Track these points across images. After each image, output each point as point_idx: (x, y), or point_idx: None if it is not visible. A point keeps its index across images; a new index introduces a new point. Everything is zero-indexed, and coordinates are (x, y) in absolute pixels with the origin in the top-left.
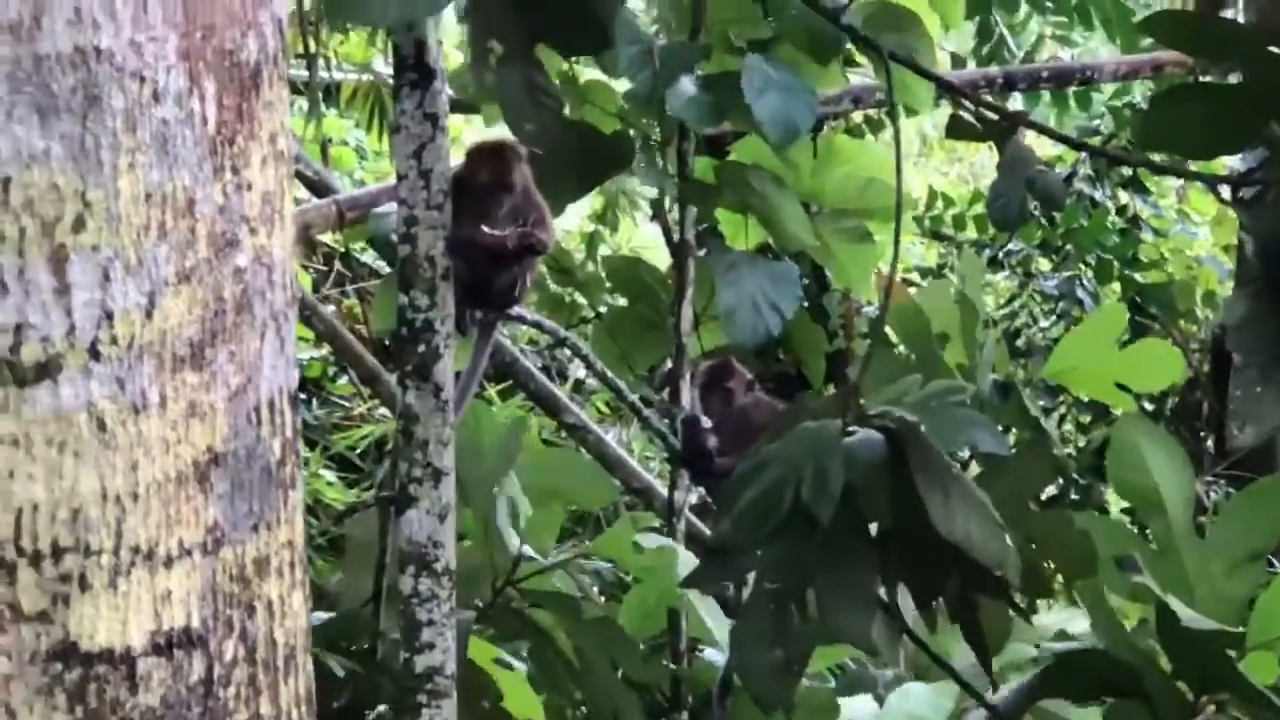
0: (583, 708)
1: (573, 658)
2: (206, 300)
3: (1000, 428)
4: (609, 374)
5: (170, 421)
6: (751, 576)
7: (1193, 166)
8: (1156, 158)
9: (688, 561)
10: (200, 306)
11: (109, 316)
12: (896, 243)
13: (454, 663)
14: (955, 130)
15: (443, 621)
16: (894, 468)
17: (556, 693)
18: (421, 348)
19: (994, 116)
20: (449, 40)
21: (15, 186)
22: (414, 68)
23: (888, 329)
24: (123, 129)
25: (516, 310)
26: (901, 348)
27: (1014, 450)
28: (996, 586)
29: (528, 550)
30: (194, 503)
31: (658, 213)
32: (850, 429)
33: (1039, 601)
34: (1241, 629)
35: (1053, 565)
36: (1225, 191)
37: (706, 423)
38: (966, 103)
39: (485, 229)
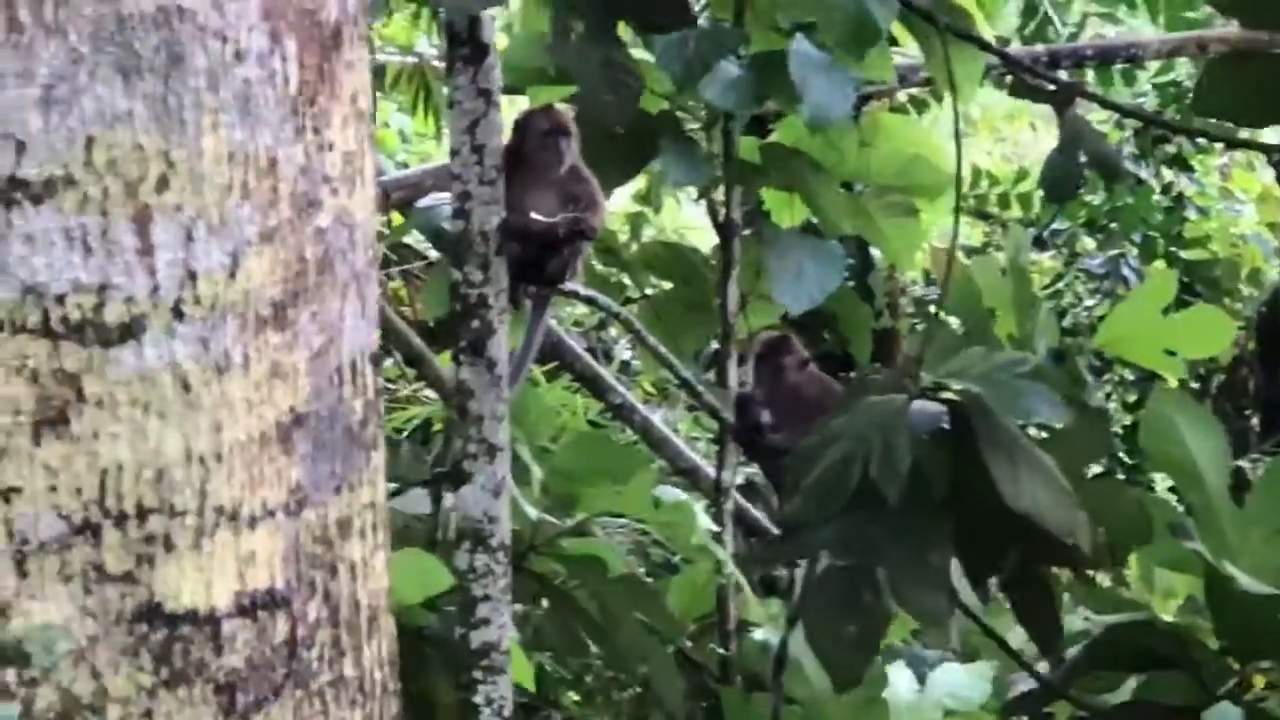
0: (608, 671)
1: (597, 618)
2: (289, 260)
3: None
4: (661, 349)
5: (253, 382)
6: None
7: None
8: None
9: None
10: (282, 267)
11: (192, 276)
12: (957, 218)
13: (509, 637)
14: (1019, 91)
15: (498, 597)
16: (957, 440)
17: (575, 654)
18: (475, 323)
19: (1051, 88)
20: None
21: (98, 146)
22: (467, 43)
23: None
24: (205, 88)
25: (570, 285)
26: (954, 321)
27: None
28: (1067, 555)
29: (545, 517)
30: (277, 463)
31: (703, 193)
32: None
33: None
34: None
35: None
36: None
37: (760, 398)
38: (1025, 76)
39: (535, 215)
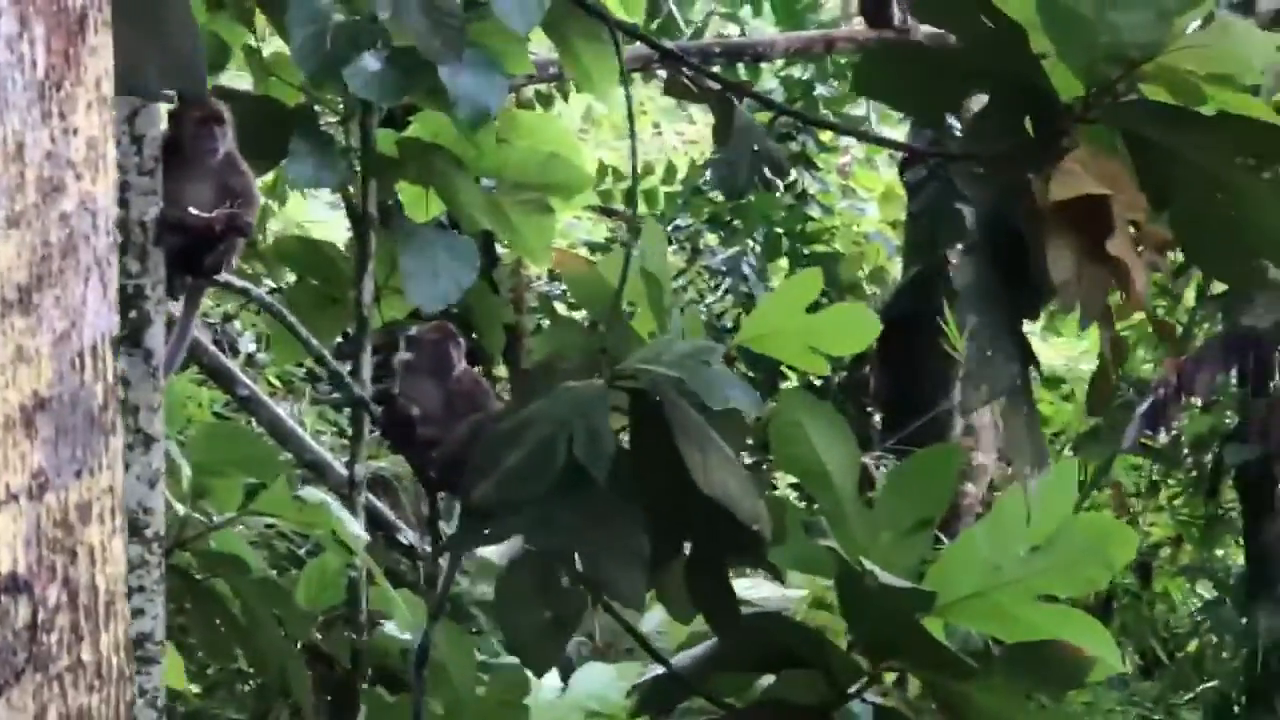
0: (233, 665)
1: (240, 619)
2: (34, 245)
3: None
4: (313, 340)
5: None
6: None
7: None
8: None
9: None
10: (28, 250)
11: None
12: (634, 209)
13: (163, 628)
14: (673, 89)
15: (153, 588)
16: (639, 429)
17: (219, 655)
18: (133, 314)
19: (716, 85)
20: None
21: None
22: None
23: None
24: None
25: (225, 276)
26: (581, 315)
27: None
28: (746, 542)
29: (194, 515)
30: (20, 447)
31: (340, 186)
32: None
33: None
34: (933, 589)
35: None
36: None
37: (408, 391)
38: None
39: (193, 211)
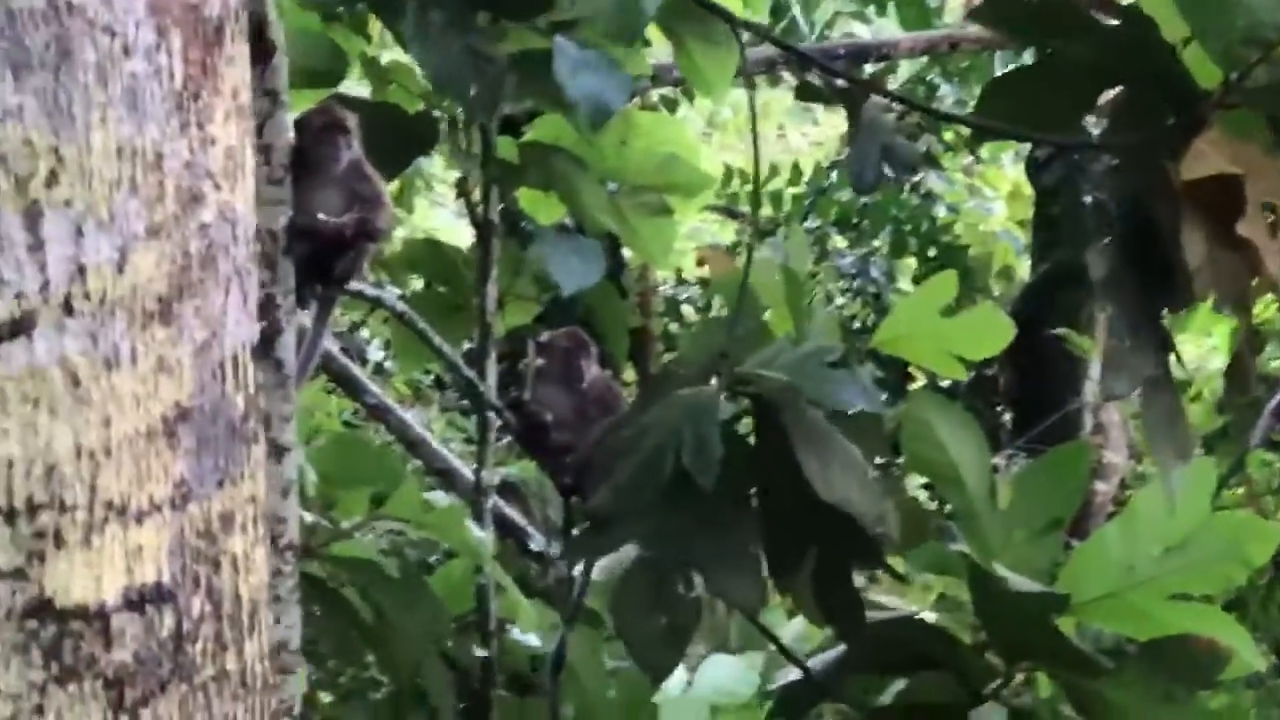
0: (366, 672)
1: (371, 624)
2: (174, 255)
3: None
4: (445, 348)
5: (141, 376)
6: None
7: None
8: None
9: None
10: (168, 261)
11: (82, 271)
12: (756, 212)
13: (299, 637)
14: (805, 94)
15: (289, 597)
16: (761, 435)
17: (348, 658)
18: (264, 323)
19: (843, 85)
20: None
21: None
22: (254, 42)
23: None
24: (94, 83)
25: (356, 285)
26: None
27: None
28: (872, 549)
29: (322, 521)
30: (163, 458)
31: (461, 193)
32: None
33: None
34: (1065, 591)
35: None
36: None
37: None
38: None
39: (323, 216)
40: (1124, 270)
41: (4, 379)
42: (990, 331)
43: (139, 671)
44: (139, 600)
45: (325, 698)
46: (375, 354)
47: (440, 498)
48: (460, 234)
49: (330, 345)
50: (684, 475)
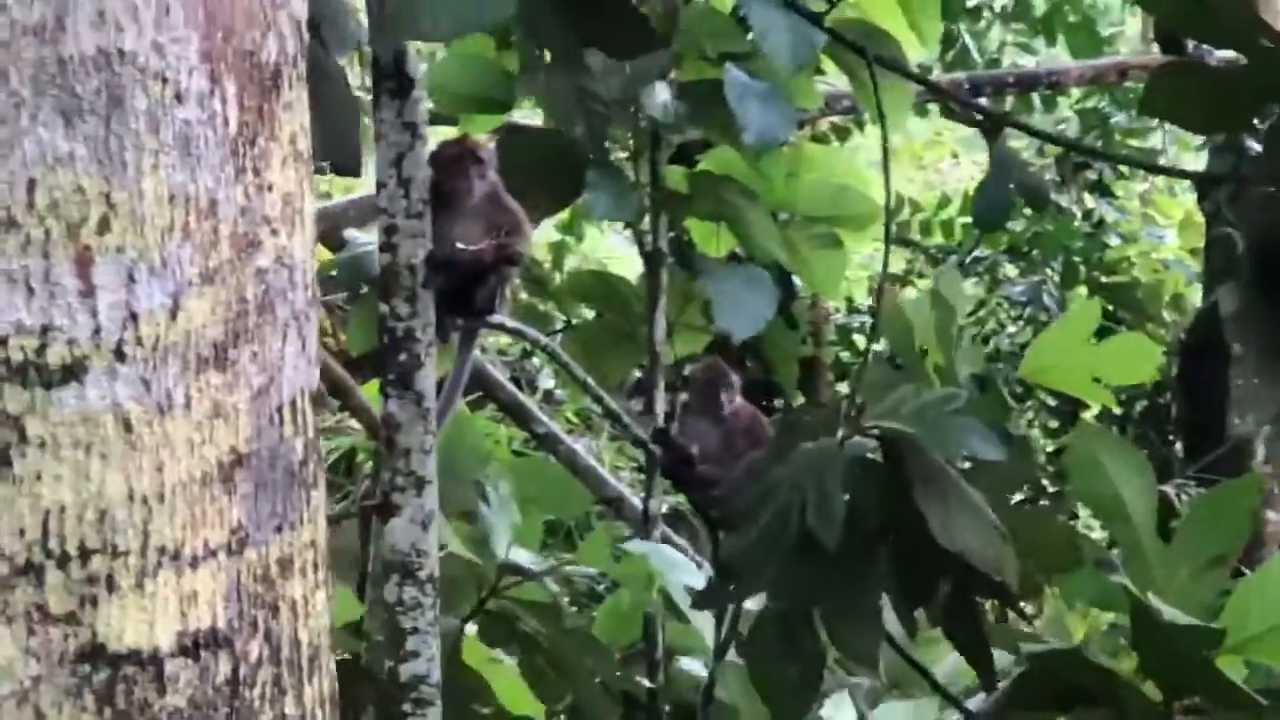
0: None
1: (553, 665)
2: (229, 301)
3: None
4: (590, 381)
5: (195, 422)
6: None
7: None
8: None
9: (671, 560)
10: (223, 307)
11: (134, 317)
12: (888, 247)
13: (438, 671)
14: (951, 113)
15: (427, 629)
16: (890, 479)
17: (546, 699)
18: (403, 356)
19: (980, 118)
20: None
21: (40, 189)
22: (393, 76)
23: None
24: (146, 130)
25: (498, 318)
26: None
27: None
28: (998, 587)
29: (515, 558)
30: (218, 503)
31: (630, 222)
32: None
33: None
34: (1222, 627)
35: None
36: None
37: (688, 429)
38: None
39: (461, 245)
40: (1255, 305)
41: (56, 424)
42: (1137, 358)
43: (194, 716)
44: (194, 645)
45: None
46: (546, 382)
47: (637, 545)
48: (631, 263)
49: (499, 374)
50: (809, 532)
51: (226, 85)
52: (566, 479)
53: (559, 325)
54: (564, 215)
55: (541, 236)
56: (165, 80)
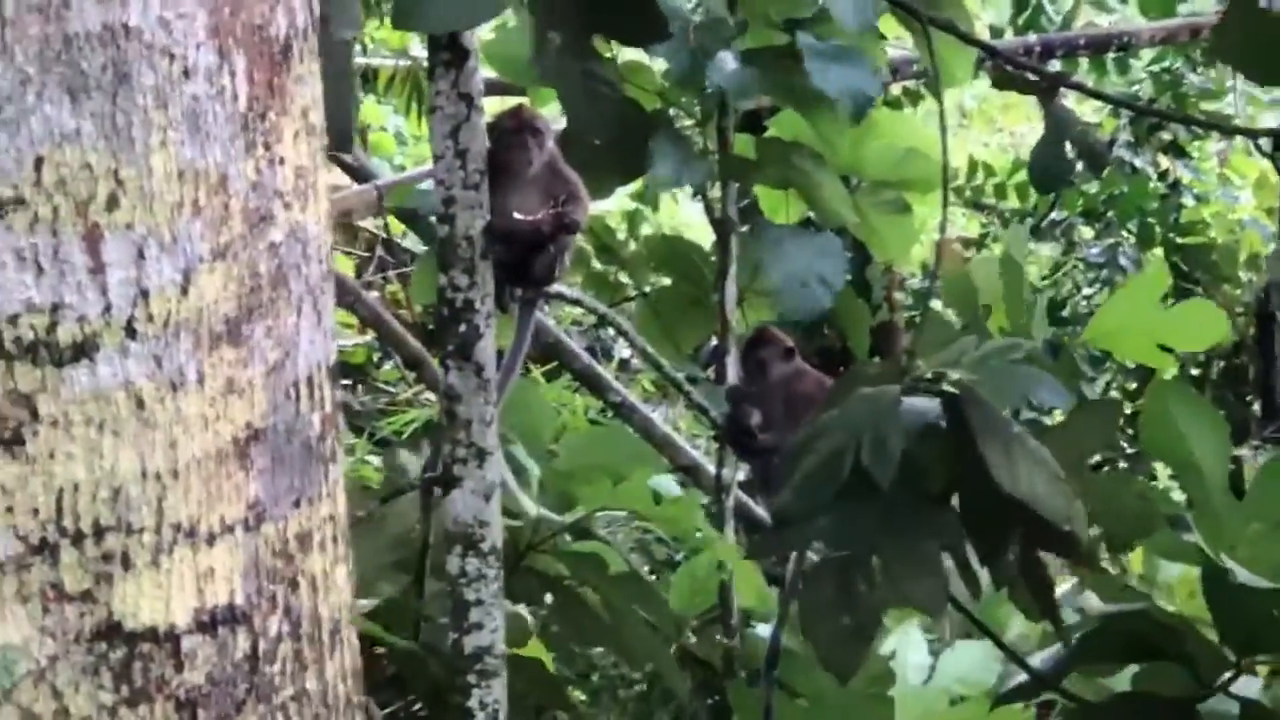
0: (614, 669)
1: (602, 614)
2: (242, 276)
3: None
4: (650, 350)
5: (208, 398)
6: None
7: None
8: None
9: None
10: (236, 283)
11: (144, 294)
12: (944, 210)
13: (502, 643)
14: (1001, 82)
15: (490, 601)
16: (952, 430)
17: (585, 647)
18: (462, 327)
19: (1035, 79)
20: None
21: (47, 166)
22: (448, 48)
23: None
24: (153, 106)
25: (557, 288)
26: (950, 314)
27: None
28: (1064, 542)
29: (546, 514)
30: (234, 479)
31: (700, 190)
32: (907, 393)
33: None
34: None
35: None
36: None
37: (750, 397)
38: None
39: (519, 215)
40: None
41: (67, 402)
42: (1203, 324)
43: (213, 693)
44: (211, 622)
45: (580, 696)
46: (622, 351)
47: (670, 485)
48: (709, 231)
49: (575, 344)
50: (865, 475)
51: (235, 59)
52: (636, 443)
53: (630, 295)
54: (638, 184)
55: (616, 205)
56: (172, 56)
